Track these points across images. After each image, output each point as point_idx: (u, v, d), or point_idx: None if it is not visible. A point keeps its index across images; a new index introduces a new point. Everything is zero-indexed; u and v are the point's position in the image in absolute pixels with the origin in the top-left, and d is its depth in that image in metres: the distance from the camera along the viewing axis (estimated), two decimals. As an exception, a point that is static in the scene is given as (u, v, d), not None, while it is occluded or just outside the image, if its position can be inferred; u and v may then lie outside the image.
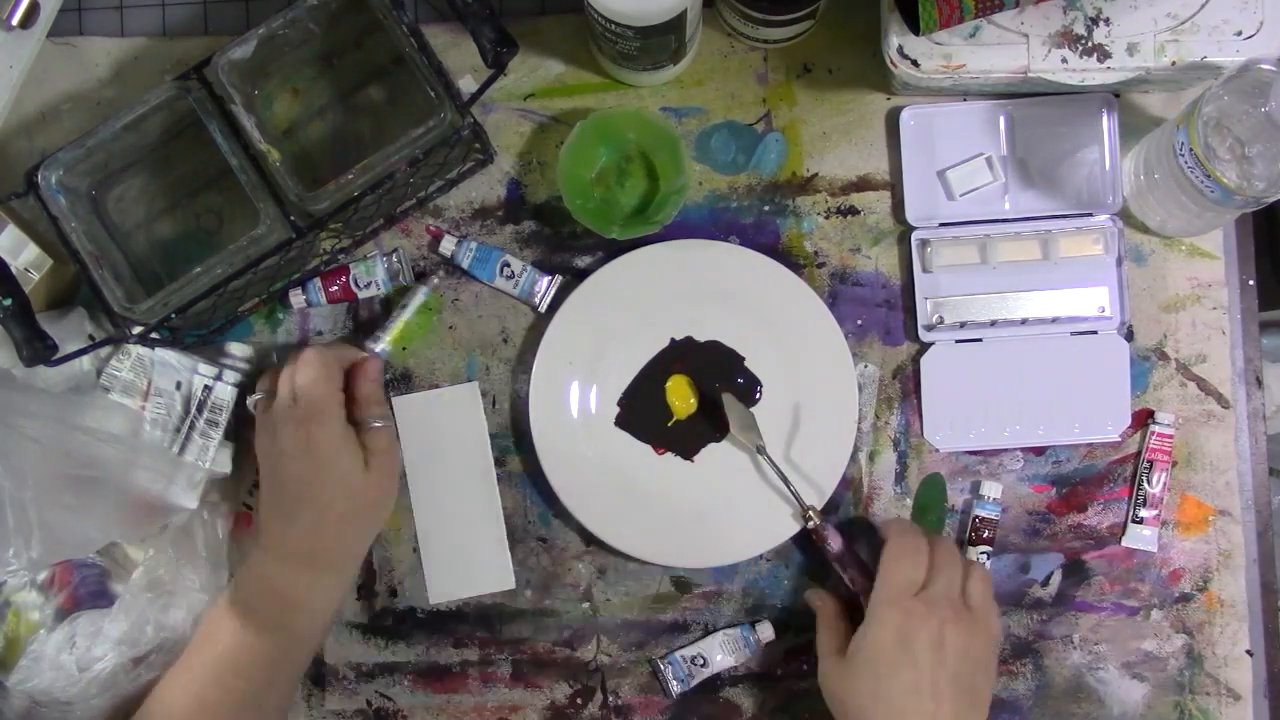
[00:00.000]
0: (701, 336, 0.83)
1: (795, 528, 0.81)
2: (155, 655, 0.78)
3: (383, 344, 0.83)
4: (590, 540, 0.84)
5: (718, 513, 0.83)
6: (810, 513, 0.80)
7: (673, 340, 0.83)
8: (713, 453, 0.83)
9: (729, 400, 0.81)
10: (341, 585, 0.80)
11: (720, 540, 0.82)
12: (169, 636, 0.78)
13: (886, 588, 0.74)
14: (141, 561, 0.81)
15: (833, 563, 0.80)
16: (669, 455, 0.83)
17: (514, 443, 0.85)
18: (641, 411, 0.83)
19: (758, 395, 0.83)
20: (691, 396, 0.83)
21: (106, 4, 0.87)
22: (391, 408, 0.84)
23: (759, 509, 0.82)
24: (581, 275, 0.84)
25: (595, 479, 0.83)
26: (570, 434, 0.83)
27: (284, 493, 0.77)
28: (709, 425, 0.83)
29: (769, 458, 0.81)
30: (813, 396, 0.82)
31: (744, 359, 0.83)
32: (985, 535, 0.82)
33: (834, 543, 0.80)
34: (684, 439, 0.83)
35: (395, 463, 0.80)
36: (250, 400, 0.80)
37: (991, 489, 0.82)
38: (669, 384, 0.83)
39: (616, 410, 0.83)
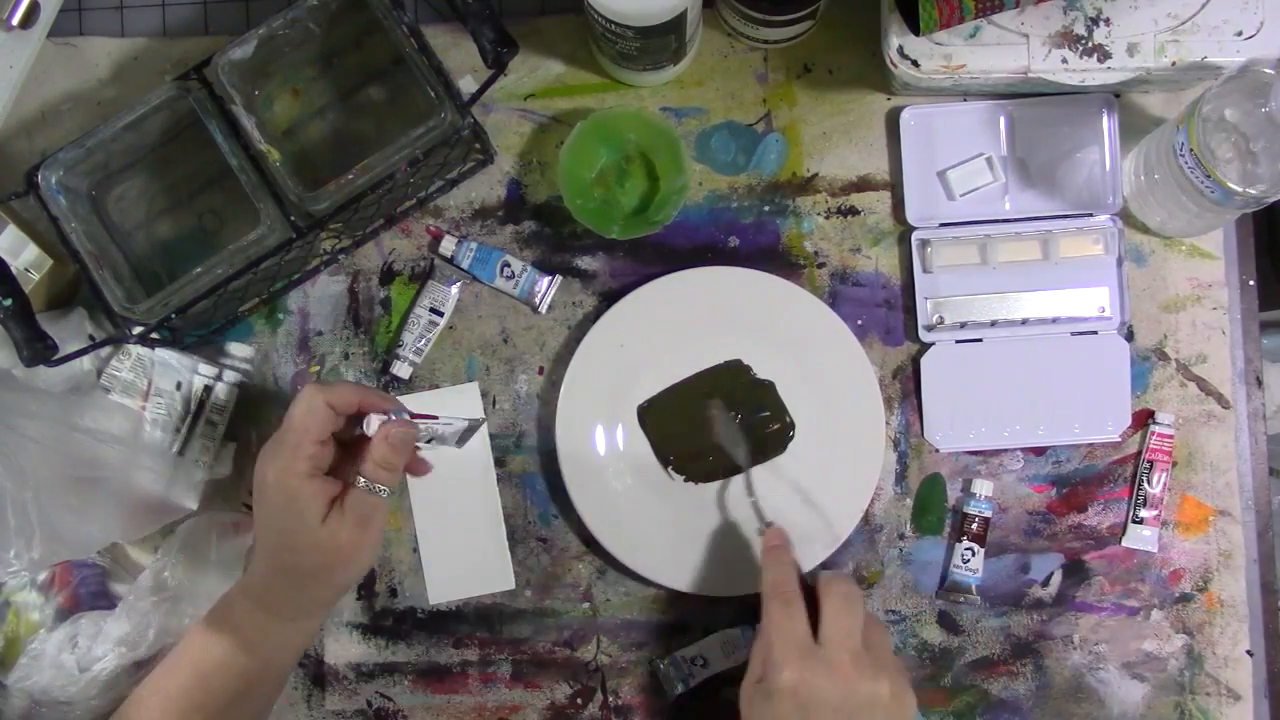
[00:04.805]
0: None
1: (819, 558, 0.81)
2: (159, 660, 0.78)
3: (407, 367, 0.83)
4: (589, 541, 0.84)
5: (747, 542, 0.82)
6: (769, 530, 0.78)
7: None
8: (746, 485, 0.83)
9: (719, 412, 0.81)
10: (300, 632, 0.73)
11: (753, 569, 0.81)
12: (172, 642, 0.78)
13: (833, 633, 0.70)
14: (149, 564, 0.81)
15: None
16: (697, 487, 0.83)
17: (514, 443, 0.85)
18: (664, 422, 0.83)
19: (790, 434, 0.83)
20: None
21: (106, 4, 0.87)
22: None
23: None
24: (581, 275, 0.84)
25: (627, 511, 0.82)
26: (599, 471, 0.83)
27: (255, 529, 0.72)
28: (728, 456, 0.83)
29: (748, 478, 0.81)
30: (839, 424, 0.82)
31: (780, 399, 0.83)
32: (975, 531, 0.82)
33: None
34: (693, 463, 0.83)
35: (366, 531, 0.69)
36: None
37: (982, 486, 0.82)
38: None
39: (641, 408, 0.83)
